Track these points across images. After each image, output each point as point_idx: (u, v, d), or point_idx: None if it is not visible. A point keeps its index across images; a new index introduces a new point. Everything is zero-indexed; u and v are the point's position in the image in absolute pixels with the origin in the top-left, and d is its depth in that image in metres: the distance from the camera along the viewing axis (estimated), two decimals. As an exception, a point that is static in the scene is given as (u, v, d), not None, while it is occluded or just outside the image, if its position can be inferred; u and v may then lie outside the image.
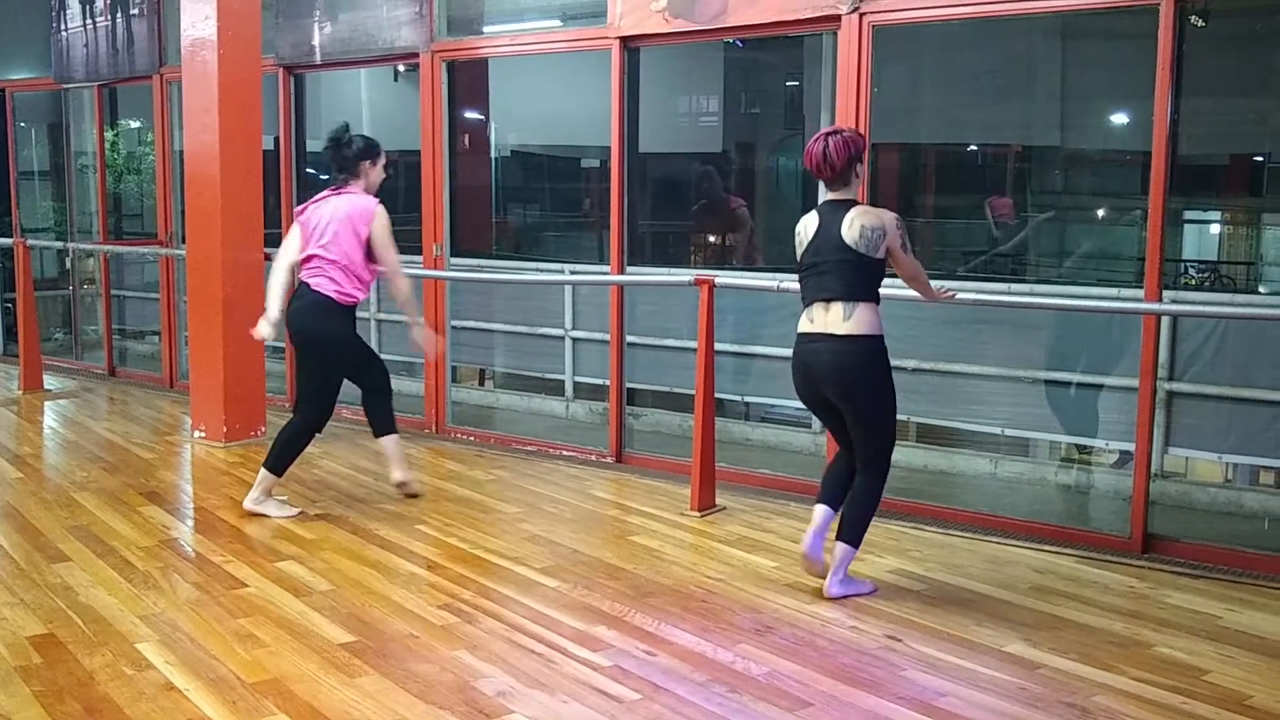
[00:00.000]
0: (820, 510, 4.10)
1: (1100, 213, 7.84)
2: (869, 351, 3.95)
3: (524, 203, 9.79)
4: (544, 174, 9.84)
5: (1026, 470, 5.83)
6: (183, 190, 7.04)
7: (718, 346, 5.29)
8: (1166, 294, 4.84)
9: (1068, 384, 5.59)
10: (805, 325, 4.04)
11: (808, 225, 4.06)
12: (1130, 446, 4.90)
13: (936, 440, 6.16)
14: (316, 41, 7.29)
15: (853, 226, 3.92)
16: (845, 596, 4.05)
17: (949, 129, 7.67)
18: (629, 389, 6.42)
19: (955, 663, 3.52)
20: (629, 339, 6.31)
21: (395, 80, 8.58)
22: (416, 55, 6.84)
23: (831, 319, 3.94)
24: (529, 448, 6.51)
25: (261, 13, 6.59)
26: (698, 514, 5.13)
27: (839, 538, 4.05)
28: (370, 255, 4.99)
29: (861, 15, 5.16)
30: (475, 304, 7.29)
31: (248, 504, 5.11)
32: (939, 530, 4.96)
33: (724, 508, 5.21)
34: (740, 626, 3.80)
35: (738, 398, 6.43)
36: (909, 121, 7.37)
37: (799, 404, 6.30)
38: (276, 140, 7.76)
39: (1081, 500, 5.62)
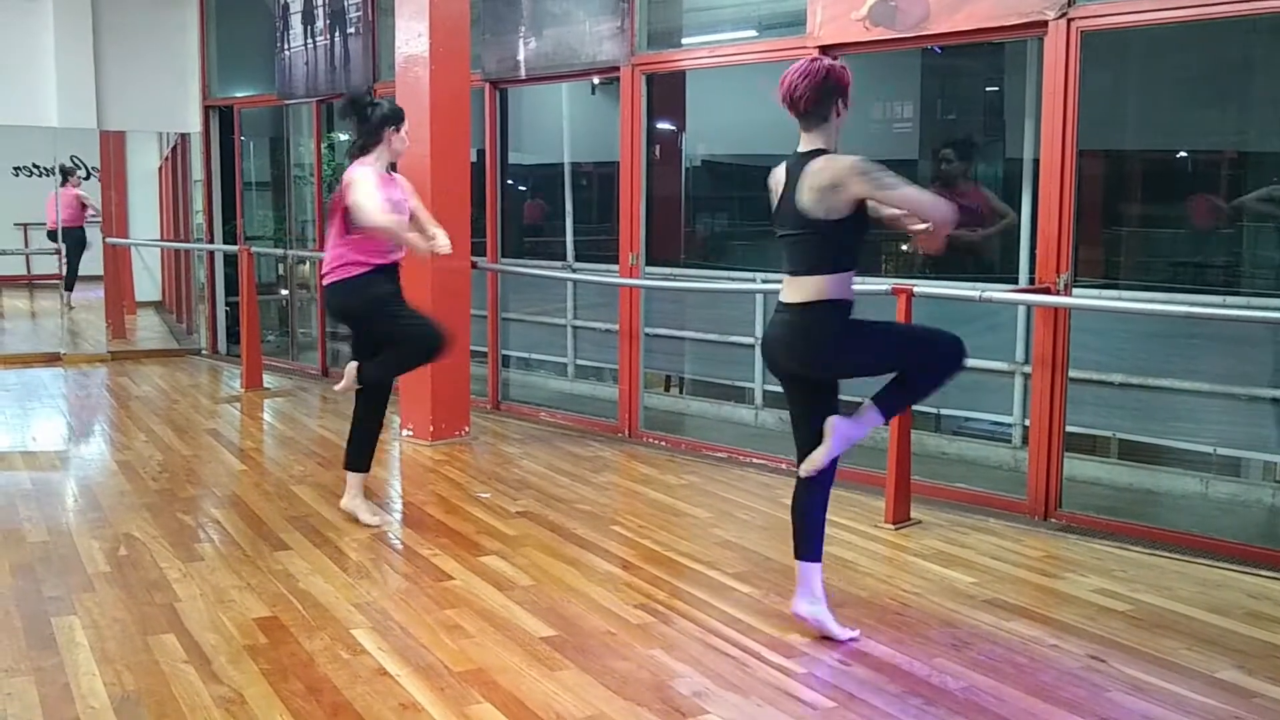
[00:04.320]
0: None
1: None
2: (823, 317, 3.56)
3: (713, 212, 9.87)
4: (733, 183, 9.90)
5: (1240, 491, 5.56)
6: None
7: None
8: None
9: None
10: (780, 295, 3.69)
11: (778, 181, 3.65)
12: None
13: (1141, 458, 5.94)
14: (521, 56, 7.53)
15: (806, 189, 3.47)
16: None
17: (1157, 135, 7.38)
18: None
19: (1162, 686, 3.41)
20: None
21: (593, 94, 8.79)
22: (617, 68, 6.99)
23: (793, 290, 3.61)
24: (719, 454, 6.57)
25: (470, 29, 6.86)
26: (892, 527, 5.08)
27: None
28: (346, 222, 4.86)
29: (1069, 20, 5.04)
30: (666, 312, 7.39)
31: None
32: (1145, 550, 4.78)
33: (919, 521, 5.15)
34: (936, 640, 3.76)
35: (934, 410, 6.34)
36: (1113, 128, 7.13)
37: (995, 417, 6.23)
38: (480, 153, 8.04)
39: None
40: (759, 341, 7.11)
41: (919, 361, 3.71)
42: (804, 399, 3.77)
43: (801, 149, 3.58)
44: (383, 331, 5.06)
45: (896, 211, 3.56)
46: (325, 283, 5.08)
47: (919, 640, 3.76)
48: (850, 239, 3.54)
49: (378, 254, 4.99)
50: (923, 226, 3.53)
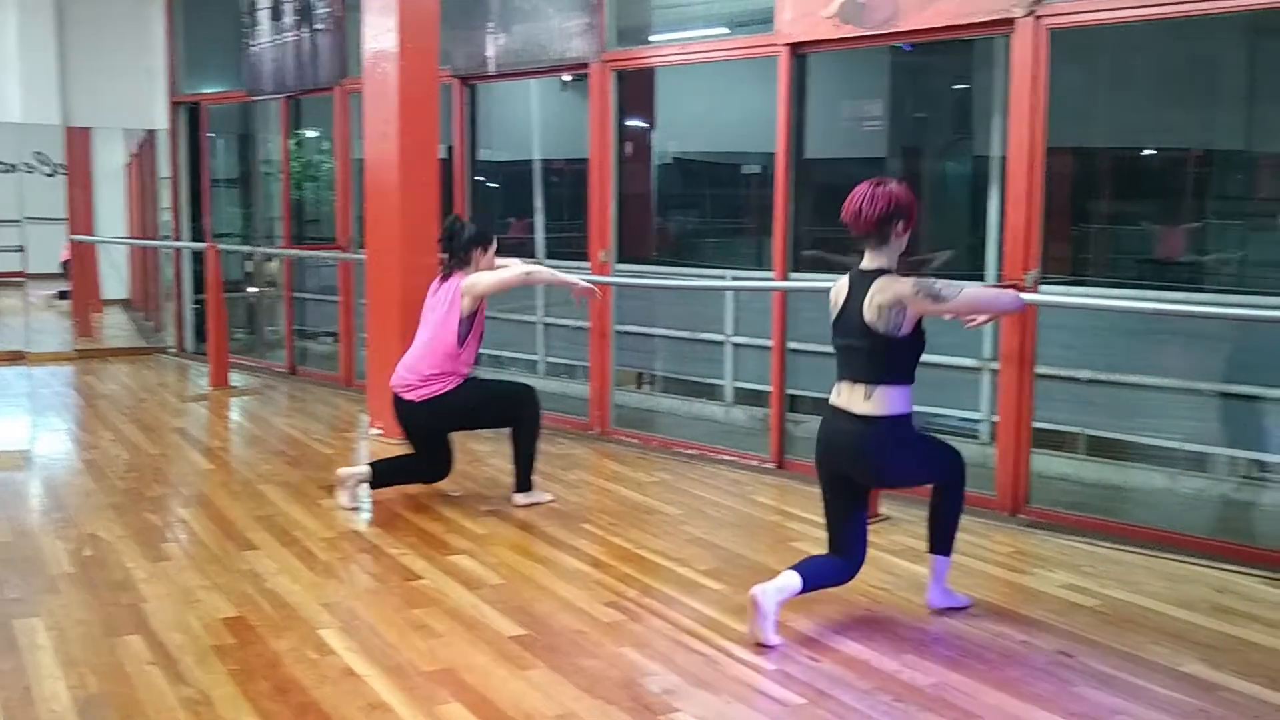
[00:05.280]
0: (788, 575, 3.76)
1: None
2: (887, 433, 3.76)
3: (684, 209, 9.87)
4: (704, 180, 9.90)
5: (1206, 486, 5.61)
6: (361, 197, 7.33)
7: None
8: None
9: (1251, 398, 5.37)
10: (834, 398, 3.88)
11: (839, 293, 3.86)
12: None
13: (1110, 454, 5.98)
14: (490, 52, 7.50)
15: (871, 305, 3.70)
16: (948, 609, 4.01)
17: (1124, 133, 7.44)
18: (790, 395, 6.41)
19: (1129, 680, 3.43)
20: (791, 345, 6.30)
21: (563, 90, 8.77)
22: (587, 65, 6.98)
23: (855, 398, 3.78)
24: (690, 451, 6.57)
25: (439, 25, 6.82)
26: (861, 522, 5.09)
27: (932, 550, 4.04)
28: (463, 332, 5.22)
29: (1038, 18, 5.06)
30: (637, 309, 7.38)
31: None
32: (1113, 546, 4.82)
33: (888, 517, 5.17)
34: (905, 637, 3.78)
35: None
36: (1082, 125, 7.18)
37: (963, 413, 6.25)
38: (449, 149, 8.01)
39: (1267, 518, 5.38)
40: (727, 340, 7.12)
41: (949, 474, 4.00)
42: (845, 498, 3.91)
43: (865, 266, 3.80)
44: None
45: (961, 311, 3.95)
46: None
47: (889, 636, 3.78)
48: (910, 355, 3.79)
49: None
50: (984, 319, 4.16)
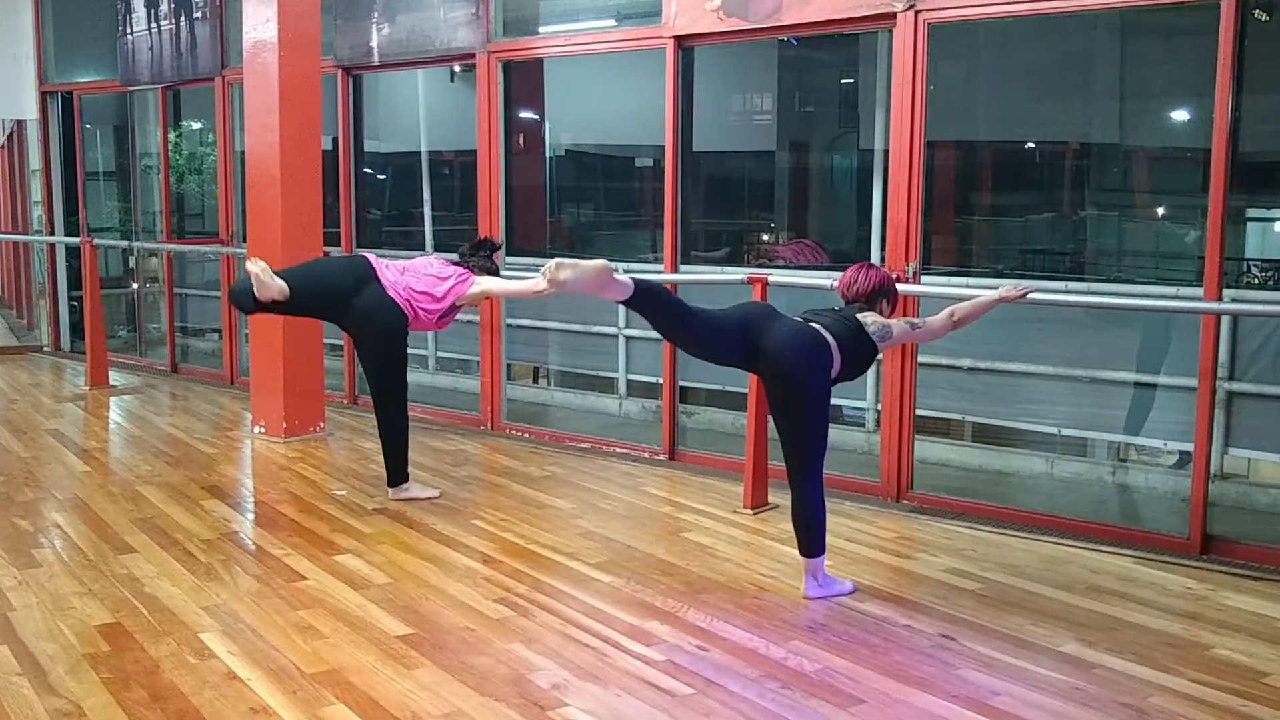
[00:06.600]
0: None
1: (1159, 211, 7.75)
2: (826, 353, 3.95)
3: (578, 202, 9.85)
4: (598, 173, 9.89)
5: (1083, 470, 5.78)
6: (244, 190, 7.16)
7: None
8: (1227, 293, 4.77)
9: (1125, 383, 5.54)
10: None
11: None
12: (1189, 447, 4.84)
13: (991, 440, 6.13)
14: (374, 43, 7.38)
15: (867, 318, 4.12)
16: (826, 598, 4.05)
17: (1006, 126, 7.62)
18: (682, 387, 6.44)
19: (1009, 662, 3.51)
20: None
21: (452, 81, 8.67)
22: (473, 56, 6.91)
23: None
24: (583, 445, 6.56)
25: (321, 15, 6.69)
26: (750, 511, 5.14)
27: (808, 555, 4.07)
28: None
29: (917, 12, 5.14)
30: (529, 302, 7.34)
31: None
32: (994, 530, 4.93)
33: (776, 505, 5.22)
34: (792, 623, 3.82)
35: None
36: (965, 119, 7.33)
37: (852, 404, 6.35)
38: (335, 140, 7.87)
39: (1139, 501, 5.57)
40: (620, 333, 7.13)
41: (820, 454, 4.10)
42: (733, 343, 4.02)
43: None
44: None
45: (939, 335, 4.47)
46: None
47: (776, 623, 3.81)
48: (865, 360, 4.11)
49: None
50: None
